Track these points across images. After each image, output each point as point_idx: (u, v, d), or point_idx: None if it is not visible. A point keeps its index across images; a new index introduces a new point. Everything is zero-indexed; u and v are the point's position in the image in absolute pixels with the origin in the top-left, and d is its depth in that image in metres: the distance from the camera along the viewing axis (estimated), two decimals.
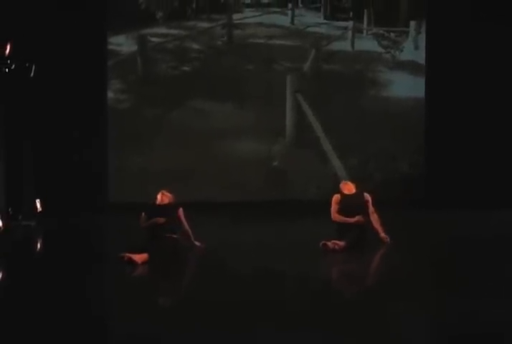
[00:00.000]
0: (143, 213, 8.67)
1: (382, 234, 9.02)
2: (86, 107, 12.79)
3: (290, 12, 13.66)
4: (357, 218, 8.86)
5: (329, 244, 8.62)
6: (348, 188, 9.15)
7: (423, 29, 13.52)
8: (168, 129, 13.47)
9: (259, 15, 13.66)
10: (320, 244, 8.65)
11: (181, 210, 8.66)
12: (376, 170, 13.44)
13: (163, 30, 13.55)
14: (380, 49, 13.68)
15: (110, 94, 13.29)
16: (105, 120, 13.13)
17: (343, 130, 13.41)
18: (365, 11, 13.57)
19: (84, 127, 12.76)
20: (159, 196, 8.76)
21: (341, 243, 8.63)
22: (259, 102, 13.47)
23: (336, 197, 9.09)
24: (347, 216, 8.88)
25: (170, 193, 8.81)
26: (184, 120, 13.53)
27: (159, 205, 8.72)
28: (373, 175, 13.37)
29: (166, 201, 8.73)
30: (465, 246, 9.08)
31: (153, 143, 13.38)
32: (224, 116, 13.53)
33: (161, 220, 8.42)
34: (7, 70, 10.66)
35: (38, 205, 11.95)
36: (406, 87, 13.53)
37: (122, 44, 13.38)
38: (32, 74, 11.20)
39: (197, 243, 8.74)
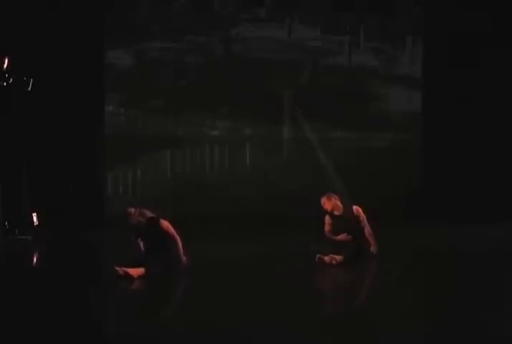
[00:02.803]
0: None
1: (372, 247, 8.93)
2: (84, 119, 12.79)
3: (287, 26, 13.72)
4: (341, 236, 8.86)
5: (326, 258, 8.62)
6: (337, 207, 8.86)
7: (419, 43, 13.57)
8: (165, 142, 13.50)
9: (256, 29, 13.71)
10: (316, 257, 8.64)
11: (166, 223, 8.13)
12: (371, 184, 13.43)
13: (160, 44, 13.59)
14: (376, 63, 13.73)
15: (108, 108, 13.33)
16: (101, 136, 13.10)
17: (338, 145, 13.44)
18: (361, 25, 13.64)
19: (82, 140, 12.76)
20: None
21: (338, 257, 8.63)
22: (257, 115, 13.52)
23: (327, 219, 8.95)
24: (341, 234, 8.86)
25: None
26: (181, 132, 13.57)
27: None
28: (369, 189, 13.35)
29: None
30: (463, 260, 9.10)
31: (150, 156, 13.41)
32: (221, 129, 13.57)
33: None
34: (5, 84, 10.68)
35: (35, 219, 11.92)
36: (403, 101, 13.58)
37: (120, 57, 13.42)
38: (30, 88, 11.20)
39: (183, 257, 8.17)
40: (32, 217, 11.83)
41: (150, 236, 8.06)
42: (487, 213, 12.29)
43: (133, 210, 8.10)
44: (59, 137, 12.66)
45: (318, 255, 8.61)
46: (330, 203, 8.89)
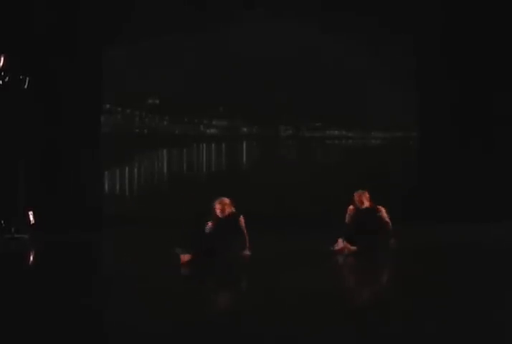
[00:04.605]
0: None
1: (392, 241, 9.47)
2: (81, 118, 12.78)
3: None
4: (340, 246, 9.20)
5: (340, 242, 9.12)
6: (360, 201, 9.51)
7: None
8: (163, 141, 13.51)
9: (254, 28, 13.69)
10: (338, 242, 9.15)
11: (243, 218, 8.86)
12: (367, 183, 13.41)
13: (158, 42, 13.54)
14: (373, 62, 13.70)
15: (105, 107, 13.32)
16: (98, 135, 13.09)
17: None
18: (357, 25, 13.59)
19: (78, 142, 12.74)
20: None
21: (353, 248, 9.12)
22: (254, 114, 13.52)
23: (350, 209, 9.59)
24: (359, 229, 9.33)
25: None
26: (178, 131, 13.57)
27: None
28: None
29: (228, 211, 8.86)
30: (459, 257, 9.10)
31: (148, 155, 13.42)
32: (218, 127, 13.58)
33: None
34: (1, 82, 10.67)
35: (31, 217, 11.90)
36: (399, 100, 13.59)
37: (117, 56, 13.38)
38: (26, 86, 11.20)
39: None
40: (29, 216, 11.81)
41: (227, 227, 8.70)
42: (483, 213, 12.30)
43: (228, 200, 8.87)
44: (55, 135, 12.64)
45: (340, 239, 9.16)
46: (361, 197, 9.53)
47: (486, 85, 12.97)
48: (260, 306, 6.37)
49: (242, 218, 8.83)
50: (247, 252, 8.82)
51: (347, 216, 9.59)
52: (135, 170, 13.48)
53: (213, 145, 13.66)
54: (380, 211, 9.50)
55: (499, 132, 13.14)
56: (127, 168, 13.44)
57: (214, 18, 13.43)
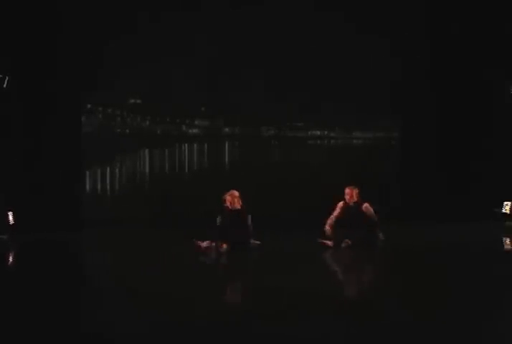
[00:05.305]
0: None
1: (380, 234, 9.94)
2: (61, 118, 12.70)
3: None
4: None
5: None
6: (351, 195, 9.96)
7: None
8: (144, 141, 13.45)
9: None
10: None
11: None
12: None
13: (140, 42, 13.45)
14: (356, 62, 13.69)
15: (86, 107, 13.24)
16: (80, 135, 13.00)
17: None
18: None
19: (59, 142, 12.66)
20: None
21: (351, 241, 9.67)
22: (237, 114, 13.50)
23: (340, 204, 10.03)
24: (349, 223, 9.79)
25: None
26: (160, 131, 13.52)
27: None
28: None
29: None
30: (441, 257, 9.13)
31: (127, 159, 13.37)
32: (200, 127, 13.54)
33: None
34: None
35: (10, 218, 11.82)
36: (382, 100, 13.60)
37: (98, 55, 13.30)
38: (5, 85, 11.12)
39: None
40: (8, 216, 11.73)
41: (236, 218, 9.58)
42: (461, 213, 12.36)
43: (238, 194, 9.78)
44: (36, 135, 12.56)
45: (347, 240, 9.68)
46: (352, 192, 9.98)
47: (467, 86, 13.03)
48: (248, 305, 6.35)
49: (249, 215, 9.67)
50: (255, 242, 9.64)
51: (337, 209, 10.00)
52: (117, 170, 13.41)
53: (195, 145, 13.61)
54: (366, 206, 9.92)
55: (480, 132, 13.20)
56: (108, 168, 13.37)
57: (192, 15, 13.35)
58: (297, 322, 5.71)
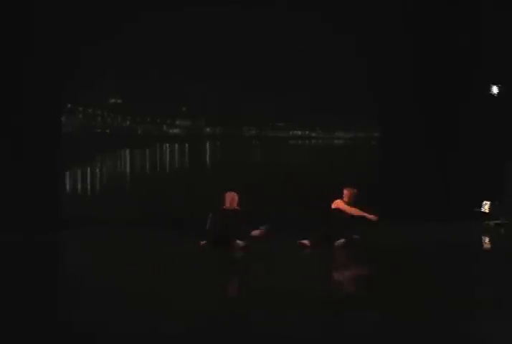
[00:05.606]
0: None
1: (370, 216, 9.92)
2: (41, 118, 12.62)
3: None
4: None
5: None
6: (350, 196, 10.14)
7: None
8: (123, 144, 13.42)
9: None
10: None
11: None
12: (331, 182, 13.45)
13: (122, 42, 13.41)
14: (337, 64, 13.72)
15: (66, 107, 13.18)
16: (60, 135, 12.93)
17: None
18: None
19: (39, 142, 12.58)
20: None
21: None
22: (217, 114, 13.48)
23: (338, 202, 10.14)
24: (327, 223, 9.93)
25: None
26: (141, 131, 13.49)
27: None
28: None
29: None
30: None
31: (107, 159, 13.32)
32: (181, 127, 13.51)
33: None
34: None
35: None
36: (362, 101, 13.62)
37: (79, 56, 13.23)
38: None
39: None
40: None
41: (231, 218, 9.72)
42: (442, 212, 12.42)
43: (236, 195, 9.95)
44: (16, 135, 12.48)
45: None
46: (349, 194, 10.16)
47: (448, 86, 13.09)
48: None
49: (244, 217, 9.76)
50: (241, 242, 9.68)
51: (338, 206, 10.07)
52: (97, 170, 13.36)
53: (176, 145, 13.59)
54: (336, 202, 10.10)
55: (461, 132, 13.27)
56: (89, 169, 13.32)
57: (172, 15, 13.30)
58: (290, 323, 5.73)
